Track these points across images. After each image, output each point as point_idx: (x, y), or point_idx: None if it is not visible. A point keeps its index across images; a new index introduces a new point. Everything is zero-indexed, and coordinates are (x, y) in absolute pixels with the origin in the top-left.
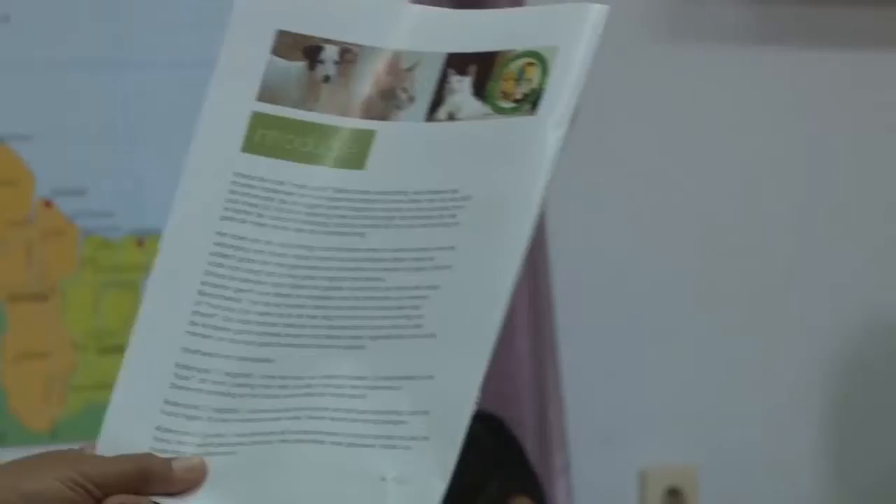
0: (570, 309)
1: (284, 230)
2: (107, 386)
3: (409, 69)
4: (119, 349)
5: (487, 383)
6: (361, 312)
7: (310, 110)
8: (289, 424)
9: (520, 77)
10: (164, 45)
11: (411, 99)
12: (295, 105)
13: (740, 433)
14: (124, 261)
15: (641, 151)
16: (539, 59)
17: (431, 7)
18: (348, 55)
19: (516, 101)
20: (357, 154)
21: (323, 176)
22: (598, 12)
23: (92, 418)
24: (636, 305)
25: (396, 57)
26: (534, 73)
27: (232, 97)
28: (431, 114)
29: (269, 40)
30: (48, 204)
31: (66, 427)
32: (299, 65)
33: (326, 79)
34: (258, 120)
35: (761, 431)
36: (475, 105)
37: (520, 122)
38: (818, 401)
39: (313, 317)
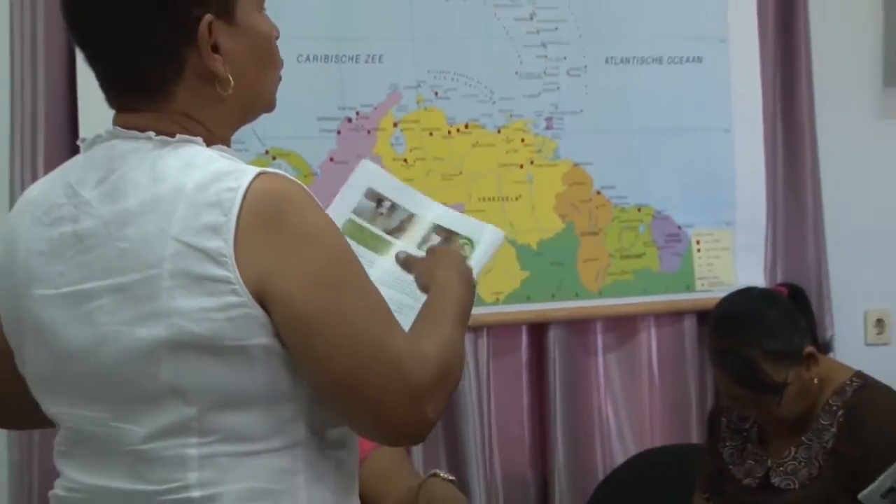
0: None
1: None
2: None
3: (416, 225)
4: None
5: None
6: None
7: (372, 226)
8: None
9: (463, 244)
10: None
11: (407, 235)
12: (369, 222)
13: None
14: None
15: None
16: (470, 243)
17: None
18: (392, 210)
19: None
20: (386, 249)
21: (378, 259)
22: (500, 235)
23: None
24: None
25: (412, 217)
26: (468, 247)
27: (339, 210)
28: (420, 245)
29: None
30: None
31: None
32: (372, 204)
33: (381, 214)
34: (349, 223)
35: None
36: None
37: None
38: None
39: None
